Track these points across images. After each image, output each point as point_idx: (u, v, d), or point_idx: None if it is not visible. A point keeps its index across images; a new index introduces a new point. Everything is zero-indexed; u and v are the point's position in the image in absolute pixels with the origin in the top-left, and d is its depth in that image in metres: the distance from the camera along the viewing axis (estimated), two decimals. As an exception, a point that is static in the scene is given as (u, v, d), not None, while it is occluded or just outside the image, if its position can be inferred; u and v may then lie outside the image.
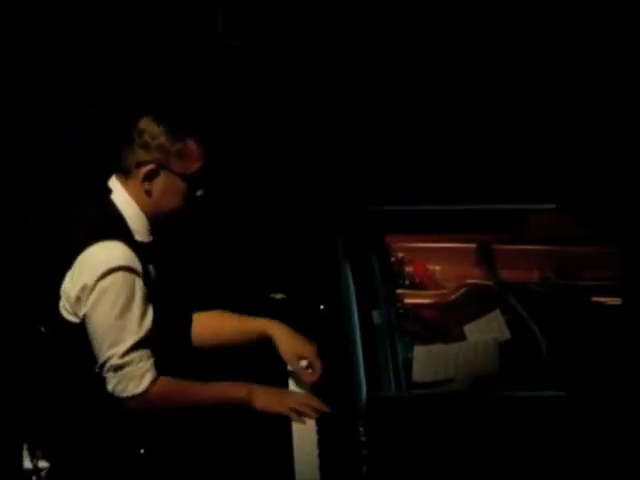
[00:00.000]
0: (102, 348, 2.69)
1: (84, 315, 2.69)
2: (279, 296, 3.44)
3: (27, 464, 2.82)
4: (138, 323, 2.70)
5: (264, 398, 2.81)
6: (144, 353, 2.71)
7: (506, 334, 2.80)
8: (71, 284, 2.69)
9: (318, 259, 3.71)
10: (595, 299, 3.05)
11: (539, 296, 3.03)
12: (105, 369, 2.70)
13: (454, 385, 2.63)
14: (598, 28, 4.14)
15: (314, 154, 4.32)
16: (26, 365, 2.96)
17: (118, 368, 2.69)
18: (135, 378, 2.70)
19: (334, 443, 2.69)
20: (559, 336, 2.81)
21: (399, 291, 3.08)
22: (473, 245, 3.22)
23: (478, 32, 4.32)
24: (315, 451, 2.69)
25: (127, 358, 2.68)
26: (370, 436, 2.50)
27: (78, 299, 2.68)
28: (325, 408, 2.81)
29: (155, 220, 2.80)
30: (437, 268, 3.23)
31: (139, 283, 2.71)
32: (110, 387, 2.70)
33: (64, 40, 4.33)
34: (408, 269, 3.17)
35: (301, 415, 2.79)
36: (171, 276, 2.94)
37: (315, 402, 2.83)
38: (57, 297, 2.72)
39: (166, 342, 2.81)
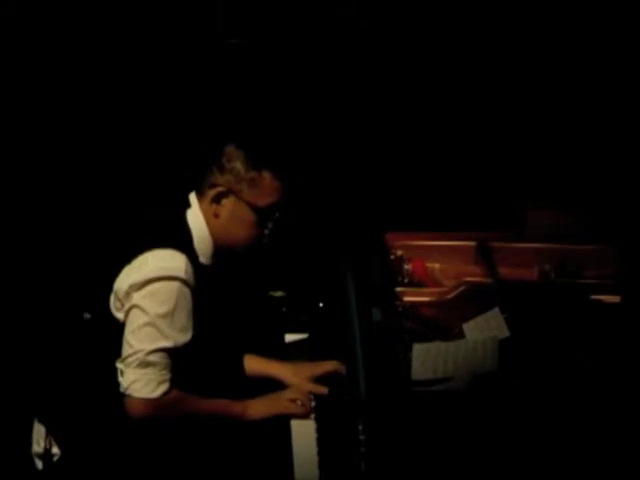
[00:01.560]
0: (133, 341, 2.68)
1: (129, 308, 2.69)
2: (278, 294, 3.44)
3: (37, 448, 2.82)
4: (177, 332, 2.69)
5: (257, 407, 2.83)
6: (169, 363, 2.70)
7: (505, 332, 2.80)
8: (125, 278, 2.70)
9: (318, 257, 3.71)
10: (594, 297, 3.05)
11: (538, 294, 3.03)
12: (128, 361, 2.68)
13: (453, 383, 2.63)
14: (598, 28, 4.14)
15: (313, 155, 4.31)
16: (51, 349, 2.98)
17: (142, 365, 2.67)
18: (153, 382, 2.68)
19: (333, 442, 2.69)
20: (558, 335, 2.82)
21: (398, 289, 3.08)
22: (472, 243, 3.23)
23: (478, 33, 4.32)
24: (314, 450, 2.69)
25: (153, 358, 2.67)
26: (369, 435, 2.50)
27: (128, 293, 2.69)
28: (322, 389, 2.84)
29: (222, 248, 2.81)
30: (436, 266, 3.23)
31: (190, 300, 2.71)
32: (126, 382, 2.68)
33: (64, 41, 4.34)
34: (407, 267, 3.17)
35: (299, 410, 2.81)
36: (226, 305, 2.97)
37: (311, 386, 2.86)
38: (110, 289, 2.73)
39: (198, 365, 2.82)
